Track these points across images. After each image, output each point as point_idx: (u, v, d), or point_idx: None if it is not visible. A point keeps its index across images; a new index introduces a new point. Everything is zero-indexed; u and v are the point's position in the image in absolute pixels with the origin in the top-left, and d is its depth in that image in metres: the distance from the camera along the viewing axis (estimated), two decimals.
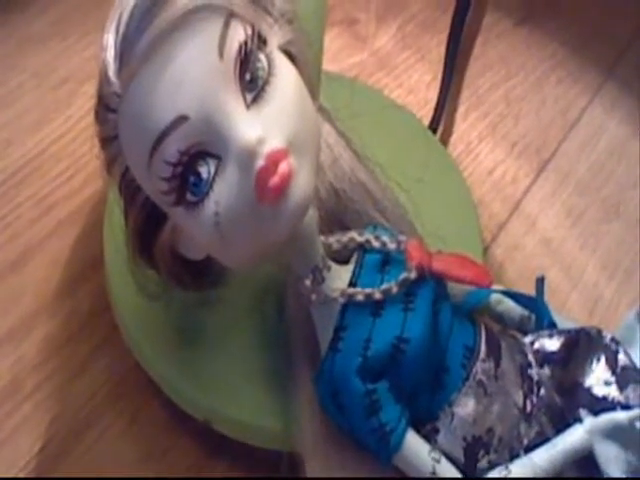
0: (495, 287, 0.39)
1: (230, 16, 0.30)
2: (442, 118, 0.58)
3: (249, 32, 0.31)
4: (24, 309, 0.48)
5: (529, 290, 0.40)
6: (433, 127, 0.57)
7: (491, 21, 0.66)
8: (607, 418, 0.33)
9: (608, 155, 0.60)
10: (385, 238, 0.36)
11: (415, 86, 0.63)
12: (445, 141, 0.58)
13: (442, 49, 0.61)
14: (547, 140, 0.60)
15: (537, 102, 0.63)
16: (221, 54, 0.30)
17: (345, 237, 0.36)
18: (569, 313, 0.51)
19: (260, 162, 0.29)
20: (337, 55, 0.63)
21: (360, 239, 0.36)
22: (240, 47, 0.30)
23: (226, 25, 0.30)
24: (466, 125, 0.61)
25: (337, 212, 0.38)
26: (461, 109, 0.61)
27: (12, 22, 0.61)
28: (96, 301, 0.48)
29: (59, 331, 0.47)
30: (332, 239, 0.36)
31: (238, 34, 0.30)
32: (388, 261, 0.36)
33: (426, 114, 0.59)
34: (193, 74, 0.29)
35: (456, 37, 0.62)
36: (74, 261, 0.50)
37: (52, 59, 0.60)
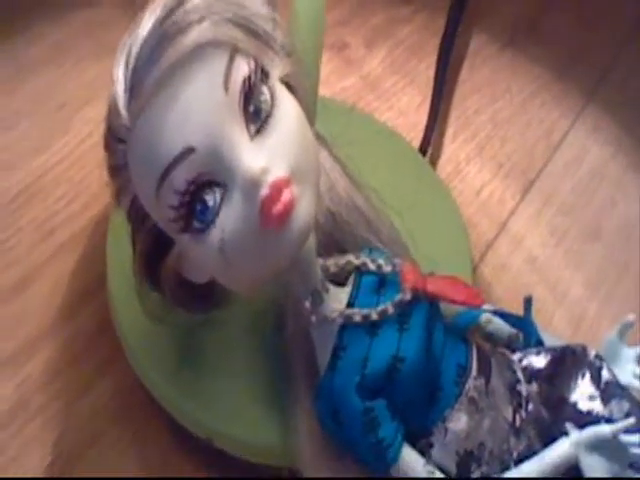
0: (485, 307, 0.41)
1: (234, 51, 0.31)
2: (431, 140, 0.60)
3: (252, 66, 0.32)
4: (28, 331, 0.49)
5: (517, 307, 0.41)
6: (423, 149, 0.59)
7: (477, 45, 0.68)
8: (591, 431, 0.35)
9: (590, 176, 0.62)
10: (380, 261, 0.37)
11: (405, 109, 0.64)
12: (434, 163, 0.60)
13: (430, 72, 0.63)
14: (532, 161, 0.62)
15: (522, 124, 0.64)
16: (226, 88, 0.31)
17: (342, 260, 0.38)
18: (555, 329, 0.53)
19: (264, 191, 0.31)
20: (328, 79, 0.64)
21: (357, 262, 0.37)
22: (244, 81, 0.31)
23: (231, 60, 0.31)
24: (454, 147, 0.62)
25: (334, 235, 0.39)
26: (449, 131, 0.63)
27: (8, 49, 0.62)
28: (98, 322, 0.49)
29: (63, 352, 0.48)
30: (330, 262, 0.38)
31: (242, 69, 0.32)
32: (384, 283, 0.37)
33: (416, 136, 0.60)
34: (200, 107, 0.31)
35: (444, 60, 0.64)
36: (75, 283, 0.51)
37: (49, 85, 0.61)
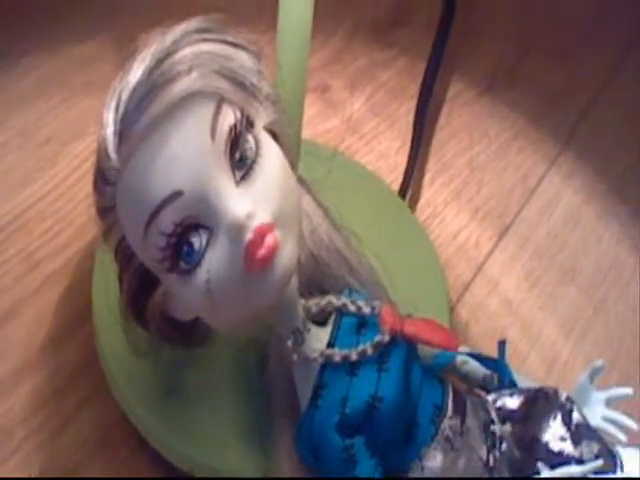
0: (461, 349, 0.42)
1: (221, 101, 0.33)
2: (410, 184, 0.61)
3: (238, 116, 0.33)
4: (12, 362, 0.49)
5: (492, 347, 0.42)
6: (402, 192, 0.60)
7: (455, 91, 0.70)
8: (562, 471, 0.36)
9: (564, 222, 0.63)
10: (360, 303, 0.38)
11: (385, 152, 0.65)
12: (413, 206, 0.61)
13: (410, 116, 0.65)
14: (508, 206, 0.63)
15: (499, 169, 0.65)
16: (213, 136, 0.32)
17: (323, 301, 0.38)
18: (529, 370, 0.54)
19: (249, 235, 0.32)
20: (311, 121, 0.65)
21: (337, 303, 0.38)
22: (230, 129, 0.33)
23: (217, 109, 0.33)
24: (432, 190, 0.63)
25: (316, 277, 0.40)
26: (428, 175, 0.64)
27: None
28: (83, 355, 0.49)
29: (46, 384, 0.49)
30: (311, 302, 0.38)
31: (228, 118, 0.33)
32: (363, 324, 0.38)
33: (396, 178, 0.62)
34: (187, 153, 0.32)
35: (424, 105, 0.65)
36: (60, 316, 0.52)
37: (36, 119, 0.62)
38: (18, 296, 0.52)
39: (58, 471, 0.46)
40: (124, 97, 0.32)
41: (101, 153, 0.33)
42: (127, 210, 0.33)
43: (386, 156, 0.65)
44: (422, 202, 0.62)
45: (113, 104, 0.32)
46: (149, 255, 0.34)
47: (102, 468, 0.46)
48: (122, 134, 0.32)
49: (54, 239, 0.55)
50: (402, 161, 0.63)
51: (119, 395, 0.45)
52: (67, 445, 0.46)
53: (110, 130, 0.32)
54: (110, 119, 0.32)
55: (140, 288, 0.36)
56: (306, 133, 0.62)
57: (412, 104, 0.65)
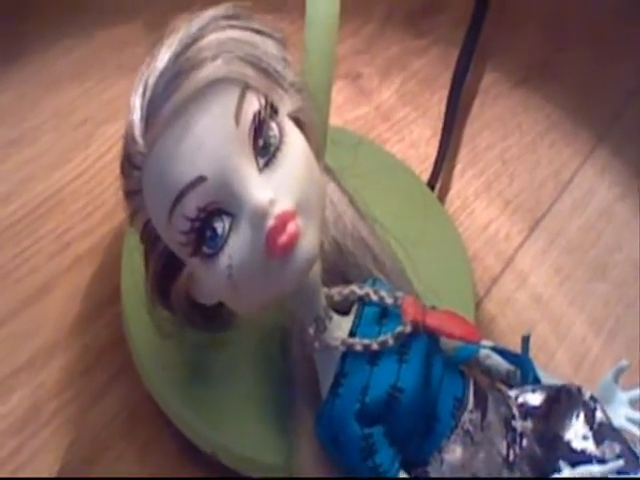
0: (484, 342, 0.41)
1: (245, 88, 0.33)
2: (440, 174, 0.61)
3: (262, 103, 0.33)
4: (43, 339, 0.50)
5: (519, 342, 0.42)
6: (431, 183, 0.60)
7: (489, 82, 0.69)
8: (583, 470, 0.35)
9: (597, 217, 0.62)
10: (383, 293, 0.38)
11: (416, 141, 0.65)
12: (442, 197, 0.61)
13: (442, 106, 0.64)
14: (540, 200, 0.63)
15: (531, 162, 0.65)
16: (237, 122, 0.32)
17: (346, 290, 0.38)
18: (556, 367, 0.53)
19: (271, 222, 0.32)
20: (340, 108, 0.65)
21: (360, 292, 0.38)
22: (254, 116, 0.33)
23: (242, 96, 0.33)
24: (463, 182, 0.63)
25: (339, 265, 0.40)
26: (458, 166, 0.63)
27: (34, 64, 0.64)
28: (112, 333, 0.50)
29: (76, 361, 0.49)
30: (334, 291, 0.38)
31: (252, 104, 0.33)
32: (385, 314, 0.38)
33: (426, 169, 0.61)
34: (212, 139, 0.32)
35: (456, 94, 0.65)
36: (91, 295, 0.52)
37: (71, 100, 0.62)
38: (50, 274, 0.53)
39: (84, 448, 0.46)
40: (151, 82, 0.32)
41: (128, 137, 0.33)
42: (152, 194, 0.34)
43: (417, 146, 0.64)
44: (452, 193, 0.62)
45: (140, 89, 0.33)
46: (173, 239, 0.34)
47: (128, 446, 0.46)
48: (148, 119, 0.32)
49: (86, 219, 0.56)
50: (433, 151, 0.62)
51: (145, 375, 0.45)
52: (96, 421, 0.47)
53: (137, 115, 0.33)
54: (137, 104, 0.33)
55: (165, 271, 0.36)
56: (336, 120, 0.61)
57: (444, 94, 0.65)
